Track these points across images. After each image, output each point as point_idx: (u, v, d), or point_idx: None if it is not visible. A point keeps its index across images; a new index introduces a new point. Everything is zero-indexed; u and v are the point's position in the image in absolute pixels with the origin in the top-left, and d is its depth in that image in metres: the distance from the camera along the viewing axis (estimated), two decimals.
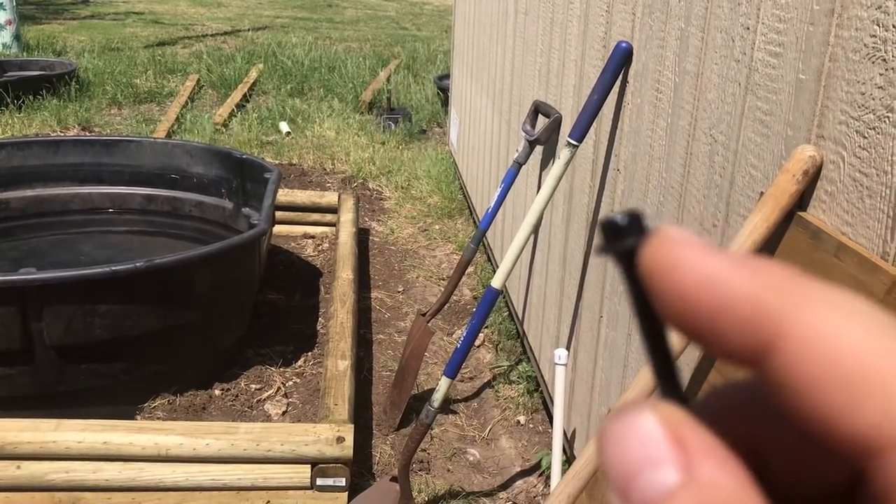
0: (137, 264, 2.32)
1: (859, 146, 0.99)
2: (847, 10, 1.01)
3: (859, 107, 0.99)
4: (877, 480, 0.18)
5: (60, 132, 5.59)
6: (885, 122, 0.94)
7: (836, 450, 0.18)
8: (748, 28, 1.26)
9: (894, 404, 0.17)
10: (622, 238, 0.20)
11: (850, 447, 0.18)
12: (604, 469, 0.19)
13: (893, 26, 0.92)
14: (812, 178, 1.08)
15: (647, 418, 0.19)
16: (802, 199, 1.11)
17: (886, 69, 0.94)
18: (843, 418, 0.17)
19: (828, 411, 0.18)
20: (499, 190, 2.61)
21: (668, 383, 0.21)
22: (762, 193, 1.15)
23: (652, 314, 0.20)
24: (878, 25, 0.95)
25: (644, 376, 1.16)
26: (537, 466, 2.45)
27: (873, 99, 0.96)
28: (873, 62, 0.96)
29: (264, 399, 2.66)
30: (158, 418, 2.47)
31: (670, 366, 0.20)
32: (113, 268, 2.29)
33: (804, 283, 0.19)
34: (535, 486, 2.39)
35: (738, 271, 0.19)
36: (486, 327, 3.24)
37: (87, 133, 5.62)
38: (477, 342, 3.16)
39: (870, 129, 0.97)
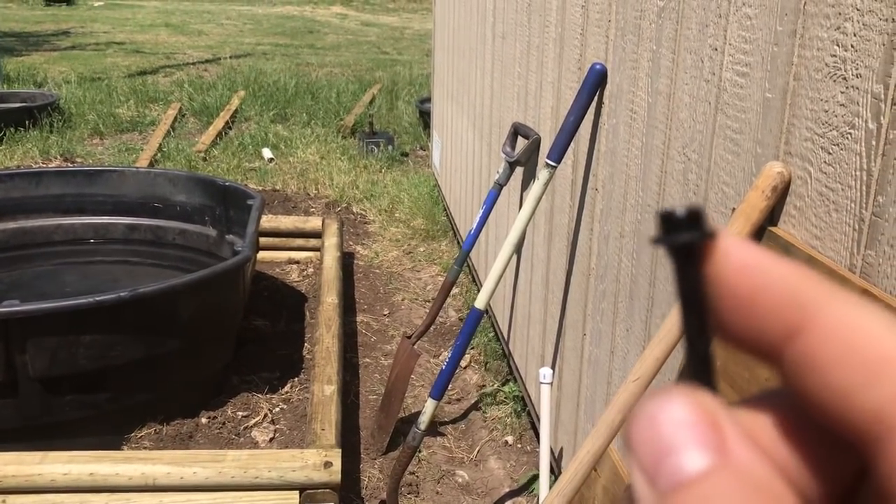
0: (121, 294, 2.32)
1: (825, 162, 1.02)
2: (808, 31, 1.04)
3: (823, 124, 1.02)
4: (881, 464, 0.19)
5: (43, 164, 5.58)
6: (847, 138, 0.97)
7: (844, 431, 0.19)
8: (716, 49, 1.29)
9: None
10: (679, 231, 0.20)
11: (859, 425, 0.19)
12: (631, 451, 0.19)
13: (852, 46, 0.95)
14: (781, 194, 1.11)
15: (682, 402, 0.19)
16: (773, 215, 1.13)
17: (847, 87, 0.97)
18: (856, 395, 0.19)
19: (843, 389, 0.19)
20: (481, 211, 2.63)
21: (702, 378, 0.21)
22: (734, 209, 1.17)
23: (699, 307, 0.21)
24: (837, 45, 0.98)
25: (625, 392, 1.18)
26: (526, 487, 2.46)
27: (836, 116, 0.99)
28: (835, 80, 0.99)
29: (251, 426, 2.65)
30: (145, 448, 2.46)
31: (708, 361, 0.21)
32: (97, 298, 2.29)
33: (835, 287, 0.20)
34: None
35: (785, 264, 0.21)
36: (473, 348, 3.25)
37: (70, 164, 5.61)
38: (464, 363, 3.17)
39: (834, 145, 1.00)
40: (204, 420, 2.64)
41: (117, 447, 2.44)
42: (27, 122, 6.17)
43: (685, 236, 0.20)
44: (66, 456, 2.05)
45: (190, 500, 2.05)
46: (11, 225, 3.49)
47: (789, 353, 0.20)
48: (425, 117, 6.55)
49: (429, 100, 5.99)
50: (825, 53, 1.01)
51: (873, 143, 0.93)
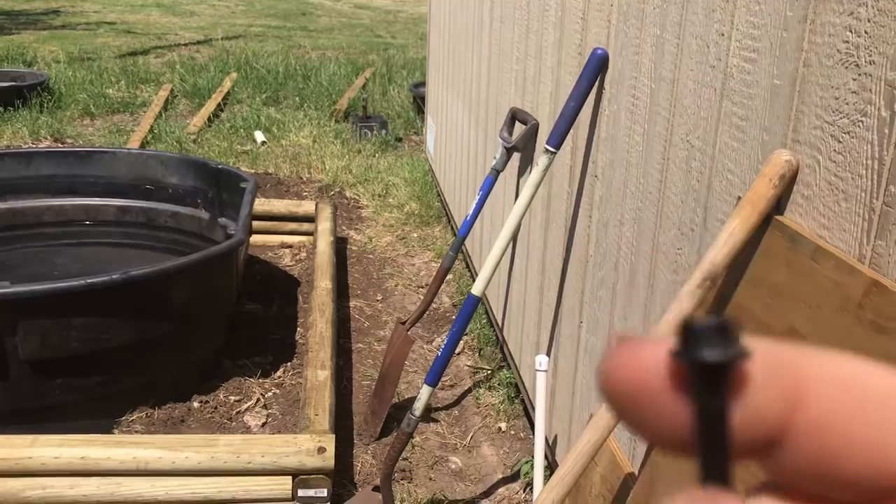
0: (113, 276, 2.29)
1: (834, 150, 1.01)
2: (820, 17, 1.02)
3: (833, 111, 1.00)
4: None
5: (32, 144, 5.53)
6: (858, 126, 0.96)
7: (879, 481, 0.17)
8: (723, 34, 1.27)
9: None
10: (706, 347, 0.18)
11: None
12: None
13: (866, 32, 0.94)
14: (788, 183, 1.09)
15: None
16: (780, 203, 1.12)
17: (859, 74, 0.95)
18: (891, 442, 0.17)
19: (873, 440, 0.17)
20: (477, 197, 2.61)
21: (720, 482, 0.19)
22: (739, 198, 1.16)
23: (721, 427, 0.18)
24: (850, 31, 0.96)
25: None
26: (519, 473, 2.45)
27: (847, 104, 0.98)
28: (846, 67, 0.97)
29: (244, 411, 2.63)
30: (137, 432, 2.44)
31: (725, 475, 0.19)
32: (88, 280, 2.27)
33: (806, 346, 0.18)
34: (517, 493, 2.39)
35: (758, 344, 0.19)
36: (466, 334, 3.24)
37: (60, 144, 5.56)
38: (457, 349, 3.15)
39: (844, 133, 0.99)
40: (196, 404, 2.62)
41: (108, 431, 2.42)
42: (16, 102, 6.10)
43: (715, 353, 0.18)
44: (56, 439, 2.03)
45: (182, 484, 2.04)
46: (1, 206, 3.45)
47: (797, 425, 0.18)
48: (419, 102, 6.51)
49: (422, 84, 5.95)
50: (837, 39, 0.99)
51: (886, 131, 0.92)
